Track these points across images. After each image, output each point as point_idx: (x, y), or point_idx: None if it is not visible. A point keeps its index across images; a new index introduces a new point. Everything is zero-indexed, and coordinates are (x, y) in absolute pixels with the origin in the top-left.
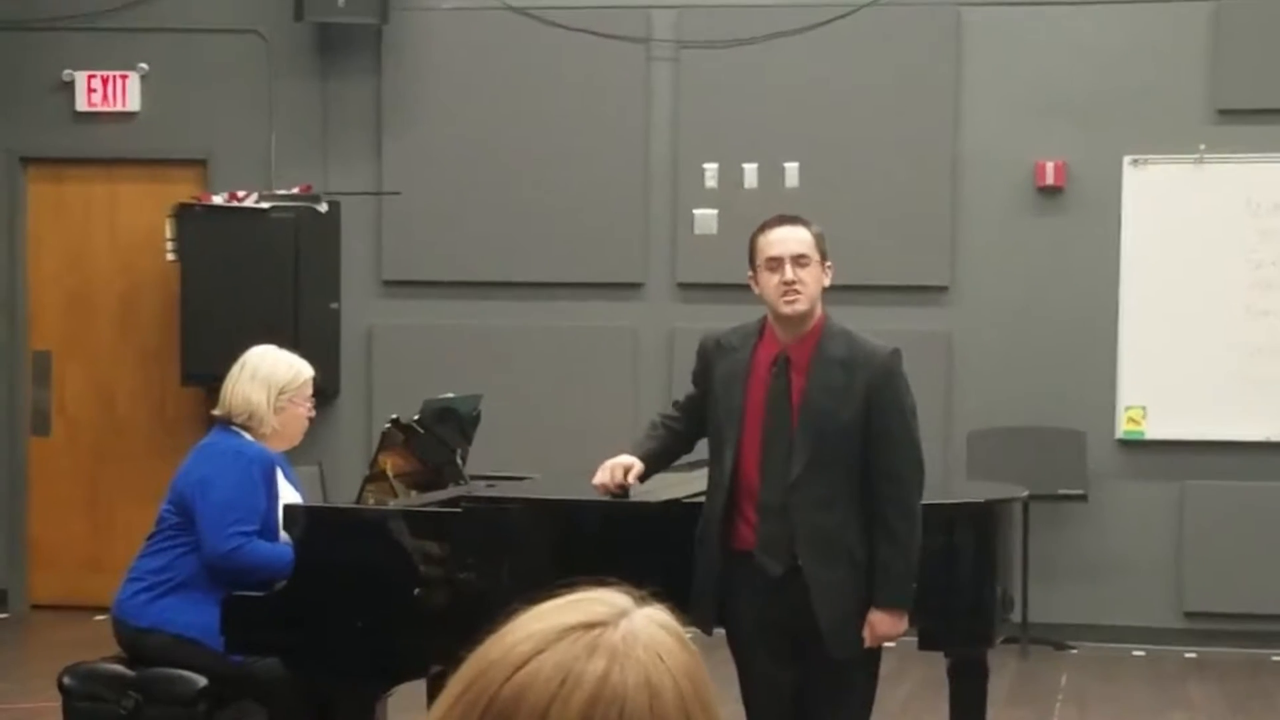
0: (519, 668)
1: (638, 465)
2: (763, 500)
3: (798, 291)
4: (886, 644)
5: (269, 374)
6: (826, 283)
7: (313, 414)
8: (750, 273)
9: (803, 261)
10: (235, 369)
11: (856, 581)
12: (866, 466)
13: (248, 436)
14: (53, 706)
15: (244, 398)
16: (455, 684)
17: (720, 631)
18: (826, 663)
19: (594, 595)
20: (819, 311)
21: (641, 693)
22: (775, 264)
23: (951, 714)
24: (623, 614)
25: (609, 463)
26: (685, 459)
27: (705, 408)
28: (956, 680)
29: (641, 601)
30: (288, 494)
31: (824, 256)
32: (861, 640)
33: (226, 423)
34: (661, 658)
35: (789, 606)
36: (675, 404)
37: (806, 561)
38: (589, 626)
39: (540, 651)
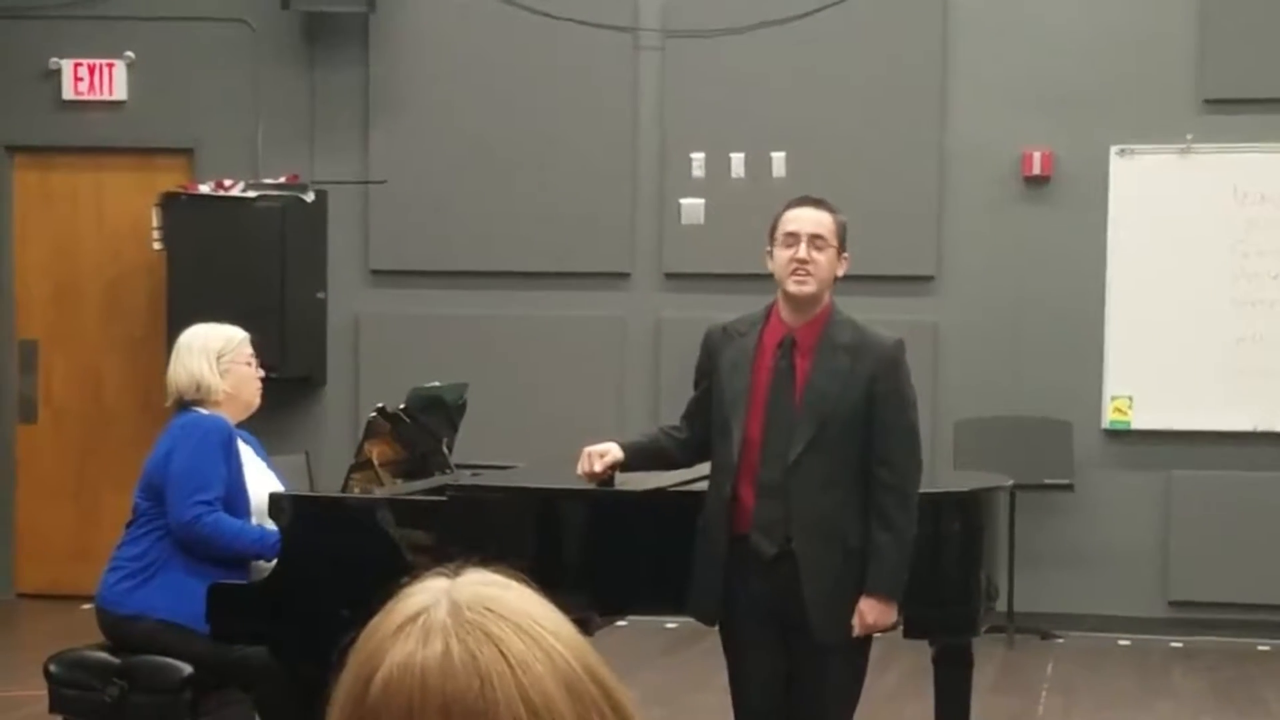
0: (368, 687)
1: (614, 453)
2: (761, 480)
3: (808, 272)
4: (876, 633)
5: (203, 344)
6: (840, 273)
7: (261, 373)
8: (768, 248)
9: (818, 243)
10: (172, 356)
11: (849, 567)
12: (865, 454)
13: (203, 411)
14: (39, 695)
15: (186, 372)
16: None
17: None
18: (814, 648)
19: (410, 589)
20: (827, 298)
21: (487, 647)
22: (792, 240)
23: (936, 703)
24: (442, 592)
25: (587, 449)
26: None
27: (710, 404)
28: (941, 669)
29: (456, 573)
30: (259, 471)
31: (842, 246)
32: (849, 627)
33: (184, 406)
34: (490, 609)
35: (780, 588)
36: (682, 417)
37: (799, 543)
38: (414, 617)
39: (381, 661)
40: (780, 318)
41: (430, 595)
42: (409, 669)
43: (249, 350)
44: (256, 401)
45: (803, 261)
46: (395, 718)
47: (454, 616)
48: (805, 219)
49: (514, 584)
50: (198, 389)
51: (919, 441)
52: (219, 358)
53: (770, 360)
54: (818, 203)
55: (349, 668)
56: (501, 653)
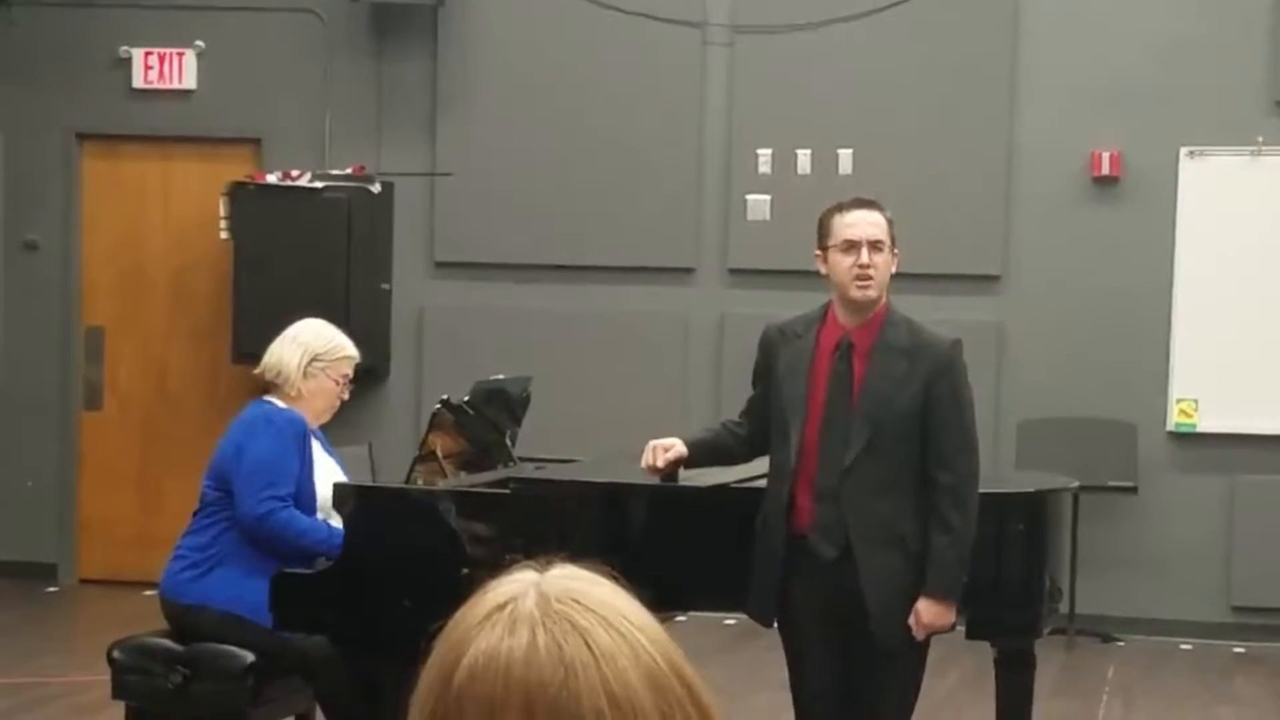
0: (453, 674)
1: (678, 447)
2: (819, 484)
3: (870, 277)
4: (934, 634)
5: (307, 340)
6: (894, 270)
7: (345, 395)
8: (818, 252)
9: (879, 247)
10: (280, 335)
11: (909, 571)
12: (924, 457)
13: (279, 404)
14: (101, 680)
15: (278, 356)
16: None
17: None
18: (873, 650)
19: (499, 580)
20: (884, 298)
21: (573, 638)
22: (851, 247)
23: (998, 705)
24: (531, 584)
25: (651, 442)
26: None
27: (768, 403)
28: (1003, 671)
29: (545, 567)
30: (326, 465)
31: (894, 243)
32: (908, 630)
33: (263, 392)
34: (578, 601)
35: (841, 590)
36: (741, 413)
37: (858, 546)
38: (502, 606)
39: (467, 649)
40: (837, 319)
41: (519, 586)
42: (494, 657)
43: (347, 370)
44: (326, 418)
45: (865, 268)
46: (478, 705)
47: (541, 607)
48: (863, 224)
49: (603, 580)
50: (278, 374)
51: (976, 443)
52: (313, 360)
53: (828, 363)
54: (870, 204)
55: (434, 655)
56: (587, 644)
